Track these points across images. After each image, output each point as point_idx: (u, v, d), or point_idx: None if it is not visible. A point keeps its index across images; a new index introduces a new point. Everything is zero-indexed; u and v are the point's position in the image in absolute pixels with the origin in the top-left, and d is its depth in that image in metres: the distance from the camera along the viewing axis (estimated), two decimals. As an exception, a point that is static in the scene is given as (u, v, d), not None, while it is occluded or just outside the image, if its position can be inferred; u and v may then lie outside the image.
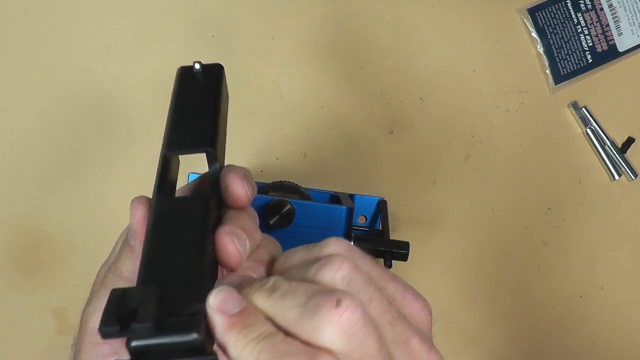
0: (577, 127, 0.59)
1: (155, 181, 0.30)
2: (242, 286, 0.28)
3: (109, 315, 0.23)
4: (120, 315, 0.23)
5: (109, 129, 0.55)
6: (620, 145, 0.59)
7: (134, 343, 0.24)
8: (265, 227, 0.44)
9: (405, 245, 0.48)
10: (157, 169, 0.31)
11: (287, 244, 0.42)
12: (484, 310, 0.57)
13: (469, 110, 0.58)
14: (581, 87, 0.59)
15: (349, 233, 0.46)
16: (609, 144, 0.58)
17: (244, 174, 0.31)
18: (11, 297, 0.53)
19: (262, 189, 0.50)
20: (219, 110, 0.33)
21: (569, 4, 0.58)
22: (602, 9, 0.58)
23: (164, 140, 0.31)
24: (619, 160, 0.58)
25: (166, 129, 0.31)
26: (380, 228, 0.54)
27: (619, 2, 0.58)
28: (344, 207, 0.46)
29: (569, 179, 0.59)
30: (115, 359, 0.31)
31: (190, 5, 0.56)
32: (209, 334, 0.25)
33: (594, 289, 0.58)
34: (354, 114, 0.56)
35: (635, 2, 0.58)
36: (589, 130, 0.58)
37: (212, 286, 0.27)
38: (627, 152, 0.59)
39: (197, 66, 0.34)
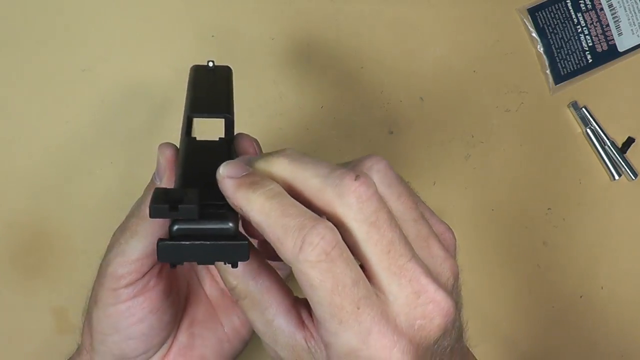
0: (577, 127, 0.59)
1: (182, 129, 0.34)
2: (256, 159, 0.30)
3: (159, 197, 0.26)
4: (167, 199, 0.26)
5: (109, 129, 0.55)
6: (620, 145, 0.59)
7: (177, 226, 0.27)
8: None
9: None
10: (182, 127, 0.34)
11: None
12: (483, 310, 0.57)
13: (469, 110, 0.58)
14: (581, 87, 0.59)
15: None
16: (609, 144, 0.58)
17: (255, 139, 0.36)
18: (11, 297, 0.53)
19: None
20: (232, 95, 0.38)
21: (569, 4, 0.58)
22: (602, 9, 0.58)
23: (186, 105, 0.35)
24: (619, 160, 0.58)
25: (187, 98, 0.36)
26: None
27: (619, 2, 0.58)
28: None
29: (569, 179, 0.59)
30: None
31: (190, 5, 0.56)
32: (239, 229, 0.28)
33: (594, 289, 0.58)
34: (354, 114, 0.56)
35: (635, 2, 0.58)
36: (589, 130, 0.58)
37: None
38: (627, 152, 0.59)
39: (210, 64, 0.39)
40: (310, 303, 0.27)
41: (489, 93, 0.58)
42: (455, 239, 0.32)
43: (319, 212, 0.27)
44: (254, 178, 0.28)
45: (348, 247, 0.27)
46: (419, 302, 0.27)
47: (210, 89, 0.37)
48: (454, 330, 0.29)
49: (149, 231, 0.35)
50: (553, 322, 0.58)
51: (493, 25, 0.58)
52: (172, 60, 0.56)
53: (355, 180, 0.27)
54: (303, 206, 0.27)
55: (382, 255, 0.27)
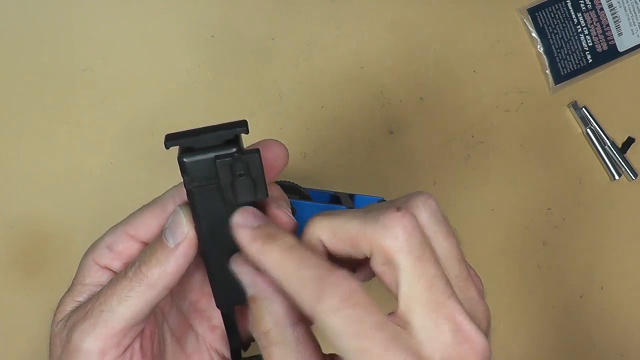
0: (577, 127, 0.59)
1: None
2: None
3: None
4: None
5: (109, 129, 0.55)
6: (620, 145, 0.59)
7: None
8: None
9: None
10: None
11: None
12: (484, 310, 0.57)
13: (469, 110, 0.58)
14: (581, 87, 0.59)
15: None
16: (609, 144, 0.58)
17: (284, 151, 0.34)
18: (11, 297, 0.53)
19: None
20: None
21: (569, 4, 0.58)
22: (602, 9, 0.58)
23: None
24: (619, 160, 0.58)
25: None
26: None
27: (619, 2, 0.58)
28: (344, 207, 0.46)
29: (569, 179, 0.59)
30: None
31: (190, 5, 0.56)
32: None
33: (594, 289, 0.58)
34: (354, 114, 0.56)
35: (635, 2, 0.58)
36: (589, 130, 0.58)
37: None
38: (627, 152, 0.59)
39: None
40: (338, 353, 0.26)
41: (489, 93, 0.58)
42: (483, 285, 0.31)
43: (362, 252, 0.27)
44: (269, 230, 0.28)
45: (390, 283, 0.27)
46: (455, 341, 0.26)
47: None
48: None
49: (147, 295, 0.30)
50: (553, 322, 0.58)
51: (493, 25, 0.58)
52: (172, 60, 0.56)
53: (398, 211, 0.26)
54: (319, 257, 0.26)
55: (423, 290, 0.26)
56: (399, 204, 0.28)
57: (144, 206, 0.33)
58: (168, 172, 0.56)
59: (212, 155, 0.28)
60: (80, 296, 0.33)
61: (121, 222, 0.33)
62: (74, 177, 0.54)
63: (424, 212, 0.28)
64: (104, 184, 0.54)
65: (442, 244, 0.28)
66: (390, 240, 0.26)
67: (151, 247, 0.31)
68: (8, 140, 0.55)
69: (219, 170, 0.28)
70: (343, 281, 0.25)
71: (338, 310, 0.25)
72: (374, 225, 0.26)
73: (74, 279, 0.34)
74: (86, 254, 0.34)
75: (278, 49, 0.56)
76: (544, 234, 0.58)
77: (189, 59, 0.56)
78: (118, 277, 0.31)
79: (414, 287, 0.26)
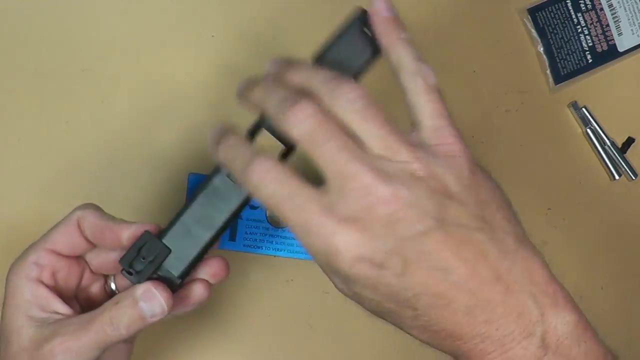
0: (577, 127, 0.59)
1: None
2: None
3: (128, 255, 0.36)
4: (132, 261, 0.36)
5: (109, 129, 0.55)
6: (620, 145, 0.59)
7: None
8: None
9: None
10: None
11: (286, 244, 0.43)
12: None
13: (469, 110, 0.58)
14: (581, 87, 0.59)
15: None
16: (609, 144, 0.58)
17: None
18: (11, 297, 0.53)
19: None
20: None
21: (569, 4, 0.58)
22: (602, 9, 0.58)
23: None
24: (619, 160, 0.58)
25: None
26: None
27: (619, 2, 0.58)
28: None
29: (569, 179, 0.59)
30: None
31: (190, 5, 0.56)
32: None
33: (594, 289, 0.58)
34: (354, 114, 0.56)
35: (635, 2, 0.58)
36: (589, 130, 0.58)
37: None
38: (627, 152, 0.59)
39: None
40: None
41: (489, 93, 0.58)
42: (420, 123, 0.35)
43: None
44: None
45: None
46: (360, 196, 0.30)
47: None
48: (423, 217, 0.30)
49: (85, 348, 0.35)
50: (553, 322, 0.58)
51: (493, 25, 0.58)
52: (172, 60, 0.56)
53: (296, 104, 0.31)
54: (245, 145, 0.34)
55: (327, 165, 0.31)
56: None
57: (56, 225, 0.40)
58: (168, 172, 0.56)
59: None
60: (31, 312, 0.37)
61: (39, 240, 0.40)
62: (74, 177, 0.54)
63: (332, 100, 0.32)
64: (104, 184, 0.54)
65: (360, 127, 0.31)
66: (294, 132, 0.31)
67: (124, 313, 0.36)
68: (8, 140, 0.55)
69: None
70: (262, 162, 0.32)
71: (262, 181, 0.32)
72: (284, 121, 0.32)
73: (6, 299, 0.38)
74: (14, 273, 0.38)
75: (278, 49, 0.56)
76: (544, 234, 0.58)
77: (189, 59, 0.56)
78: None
79: (322, 166, 0.31)
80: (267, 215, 0.44)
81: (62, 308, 0.37)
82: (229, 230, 0.45)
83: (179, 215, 0.37)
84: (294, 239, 0.45)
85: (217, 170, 0.37)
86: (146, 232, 0.37)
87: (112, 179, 0.55)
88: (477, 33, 0.58)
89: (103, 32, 0.56)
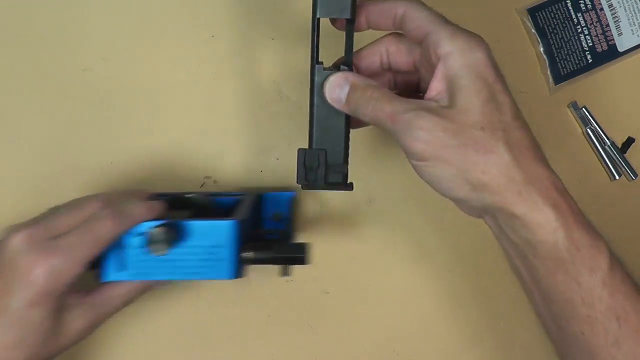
0: (577, 127, 0.59)
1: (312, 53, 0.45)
2: None
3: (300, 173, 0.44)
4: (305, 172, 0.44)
5: (109, 129, 0.55)
6: (620, 145, 0.59)
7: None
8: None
9: (300, 249, 0.45)
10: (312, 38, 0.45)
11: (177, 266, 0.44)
12: (483, 310, 0.57)
13: (469, 110, 0.58)
14: (581, 87, 0.59)
15: (248, 244, 0.45)
16: (609, 144, 0.58)
17: None
18: (11, 297, 0.53)
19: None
20: None
21: (569, 4, 0.58)
22: (602, 9, 0.58)
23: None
24: (619, 160, 0.58)
25: None
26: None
27: (619, 2, 0.58)
28: (229, 221, 0.44)
29: (569, 179, 0.58)
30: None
31: (190, 5, 0.56)
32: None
33: (594, 289, 0.58)
34: (354, 114, 0.56)
35: (635, 2, 0.58)
36: (589, 130, 0.58)
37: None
38: (627, 152, 0.59)
39: None
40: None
41: (489, 93, 0.58)
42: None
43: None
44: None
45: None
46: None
47: None
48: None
49: None
50: (553, 322, 0.58)
51: (493, 25, 0.58)
52: (172, 60, 0.56)
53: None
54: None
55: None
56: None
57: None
58: (168, 171, 0.56)
59: None
60: None
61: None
62: (74, 176, 0.55)
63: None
64: (104, 184, 0.55)
65: None
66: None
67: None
68: (8, 139, 0.55)
69: None
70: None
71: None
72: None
73: None
74: None
75: (278, 48, 0.56)
76: (544, 234, 0.58)
77: (189, 59, 0.56)
78: None
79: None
80: (148, 240, 0.42)
81: None
82: (118, 260, 0.44)
83: (311, 122, 0.44)
84: (183, 261, 0.43)
85: (312, 68, 0.45)
86: (299, 149, 0.44)
87: (112, 179, 0.55)
88: (477, 33, 0.58)
89: (103, 32, 0.56)
